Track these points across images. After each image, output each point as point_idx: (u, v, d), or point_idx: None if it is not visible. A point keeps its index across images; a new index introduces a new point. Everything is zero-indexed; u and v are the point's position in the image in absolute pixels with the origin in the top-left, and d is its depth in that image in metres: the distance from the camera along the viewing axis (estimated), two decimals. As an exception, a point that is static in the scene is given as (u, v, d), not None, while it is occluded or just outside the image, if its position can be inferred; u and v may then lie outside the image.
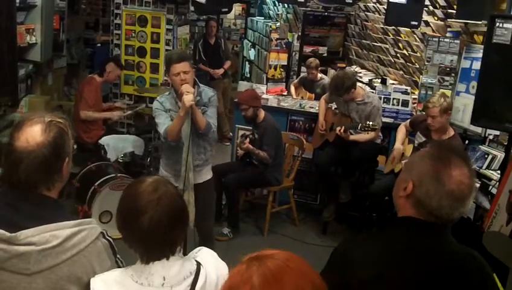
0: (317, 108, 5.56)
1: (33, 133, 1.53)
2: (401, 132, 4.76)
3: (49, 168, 1.56)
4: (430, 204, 1.49)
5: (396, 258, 1.52)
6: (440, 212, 1.49)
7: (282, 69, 8.13)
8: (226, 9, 5.60)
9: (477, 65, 4.53)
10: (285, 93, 6.99)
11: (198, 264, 1.63)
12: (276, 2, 10.39)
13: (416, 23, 5.19)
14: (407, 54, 6.50)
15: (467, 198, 1.50)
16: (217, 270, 1.67)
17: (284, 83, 7.97)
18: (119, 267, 1.65)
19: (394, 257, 1.52)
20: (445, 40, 5.23)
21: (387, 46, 7.08)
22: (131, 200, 1.57)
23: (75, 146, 1.64)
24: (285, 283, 1.09)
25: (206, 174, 3.87)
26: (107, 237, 1.63)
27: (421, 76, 5.62)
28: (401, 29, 6.54)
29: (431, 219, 1.51)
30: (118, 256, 1.67)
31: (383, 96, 5.46)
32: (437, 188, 1.48)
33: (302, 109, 5.78)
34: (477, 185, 4.13)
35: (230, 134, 6.98)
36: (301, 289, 1.09)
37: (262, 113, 5.02)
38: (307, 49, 8.48)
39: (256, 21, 9.67)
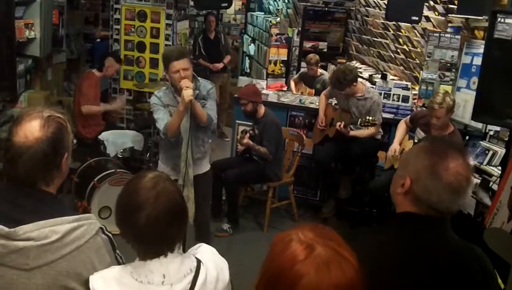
0: (317, 104, 5.55)
1: (32, 129, 1.52)
2: (400, 129, 4.73)
3: (48, 164, 1.55)
4: (430, 199, 1.49)
5: (396, 253, 1.51)
6: (440, 206, 1.49)
7: (282, 65, 8.10)
8: (226, 4, 5.56)
9: (478, 61, 4.52)
10: (285, 88, 6.98)
11: (198, 261, 1.62)
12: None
13: (417, 18, 5.16)
14: (407, 50, 6.48)
15: (465, 189, 1.49)
16: (217, 266, 1.66)
17: (284, 79, 7.95)
18: (118, 262, 1.64)
19: (394, 253, 1.51)
20: (446, 35, 5.21)
21: (387, 41, 7.06)
22: (129, 196, 1.56)
23: (74, 141, 1.64)
24: None
25: (205, 166, 3.88)
26: (107, 233, 1.63)
27: (421, 71, 5.61)
28: (402, 24, 6.52)
29: (431, 213, 1.51)
30: (117, 251, 1.66)
31: (383, 91, 5.45)
32: (435, 182, 1.48)
33: (302, 105, 5.77)
34: (478, 181, 4.12)
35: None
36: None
37: (262, 109, 5.01)
38: (307, 45, 8.46)
39: (256, 16, 9.64)
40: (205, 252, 1.71)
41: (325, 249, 1.11)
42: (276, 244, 1.17)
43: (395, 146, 4.61)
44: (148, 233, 1.51)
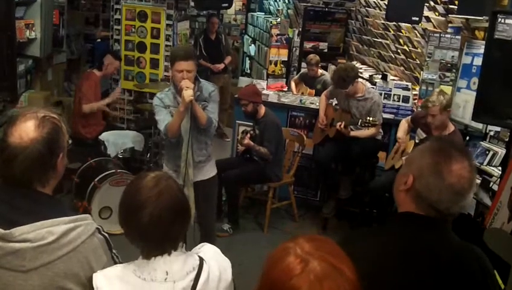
0: (317, 104, 5.54)
1: (26, 129, 1.52)
2: (402, 126, 4.76)
3: (44, 164, 1.54)
4: (430, 197, 1.49)
5: (398, 253, 1.51)
6: (439, 206, 1.49)
7: (282, 65, 8.11)
8: (227, 5, 5.56)
9: (478, 61, 4.52)
10: (286, 89, 6.98)
11: (201, 260, 1.63)
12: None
13: (417, 18, 5.17)
14: (408, 50, 6.48)
15: (466, 192, 1.49)
16: (219, 266, 1.67)
17: (285, 79, 7.96)
18: (115, 262, 1.65)
19: (394, 252, 1.51)
20: (446, 35, 5.21)
21: (388, 41, 7.06)
22: (132, 195, 1.57)
23: (69, 141, 1.63)
24: None
25: (210, 171, 3.85)
26: (103, 233, 1.63)
27: (421, 72, 5.61)
28: (402, 24, 6.52)
29: (431, 212, 1.51)
30: (113, 251, 1.66)
31: (383, 92, 5.45)
32: (437, 181, 1.48)
33: (303, 105, 5.77)
34: (478, 181, 4.12)
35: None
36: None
37: (262, 109, 5.01)
38: (308, 45, 8.46)
39: (257, 16, 9.64)
40: (208, 251, 1.72)
41: (320, 263, 1.11)
42: (274, 254, 1.17)
43: (401, 134, 4.67)
44: (152, 231, 1.52)
